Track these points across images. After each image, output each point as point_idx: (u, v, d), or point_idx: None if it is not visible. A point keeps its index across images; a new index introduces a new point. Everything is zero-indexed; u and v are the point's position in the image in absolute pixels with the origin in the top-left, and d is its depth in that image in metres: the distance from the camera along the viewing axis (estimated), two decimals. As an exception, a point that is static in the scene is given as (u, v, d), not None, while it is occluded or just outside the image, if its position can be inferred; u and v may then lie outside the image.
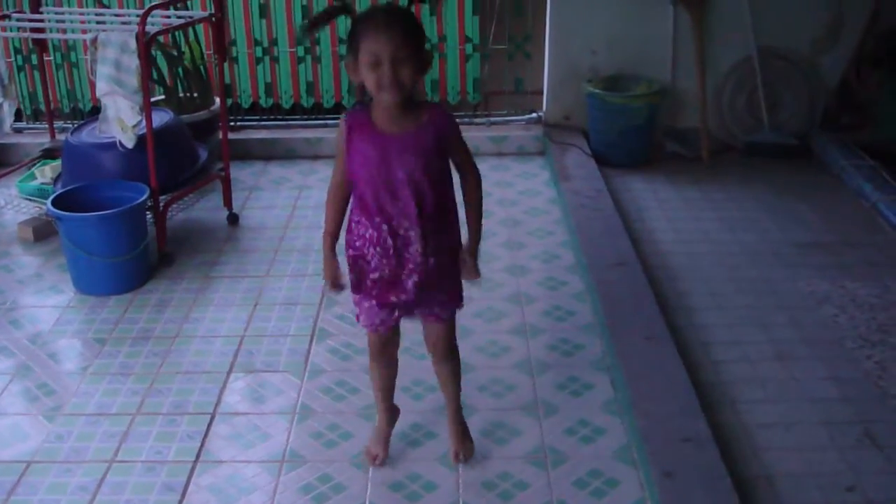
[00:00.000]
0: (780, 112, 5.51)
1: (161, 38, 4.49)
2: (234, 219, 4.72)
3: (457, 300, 2.74)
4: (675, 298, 3.83)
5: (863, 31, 5.39)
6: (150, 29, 4.05)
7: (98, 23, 4.45)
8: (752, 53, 5.37)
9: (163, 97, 5.34)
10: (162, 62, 5.42)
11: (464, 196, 2.68)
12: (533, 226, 4.62)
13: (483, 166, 5.42)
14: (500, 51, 5.85)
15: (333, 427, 3.09)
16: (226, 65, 4.85)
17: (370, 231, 2.55)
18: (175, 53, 5.37)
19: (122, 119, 4.09)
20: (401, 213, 2.51)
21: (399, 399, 2.99)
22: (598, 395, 3.23)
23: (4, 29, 4.53)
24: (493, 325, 3.68)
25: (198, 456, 2.96)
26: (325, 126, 5.84)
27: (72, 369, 3.47)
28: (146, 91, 4.04)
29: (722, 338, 3.53)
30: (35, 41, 4.97)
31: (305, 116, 5.94)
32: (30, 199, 4.59)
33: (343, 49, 5.77)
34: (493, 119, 5.89)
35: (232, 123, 5.65)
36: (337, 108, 5.91)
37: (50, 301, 3.97)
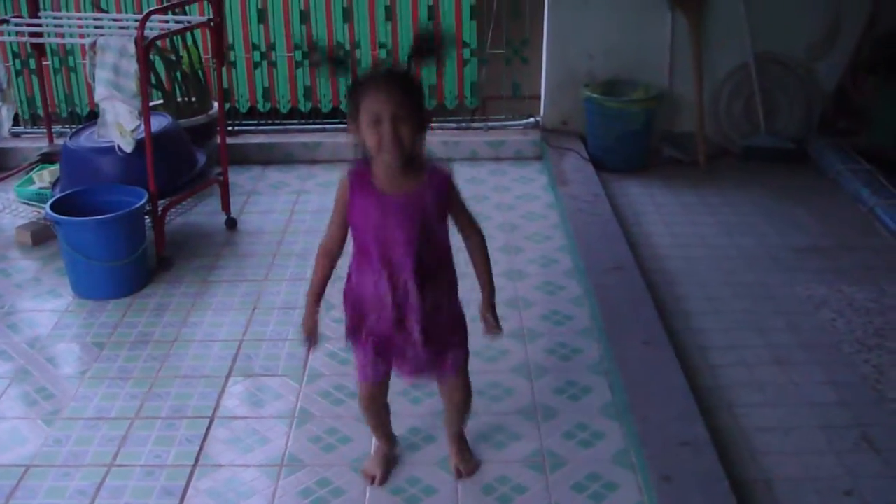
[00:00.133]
0: (777, 117, 5.53)
1: (159, 43, 4.49)
2: (232, 223, 4.72)
3: (463, 353, 2.75)
4: (673, 303, 3.83)
5: (859, 38, 5.41)
6: (149, 33, 4.06)
7: (96, 27, 4.46)
8: (749, 59, 5.39)
9: (161, 102, 5.35)
10: (160, 67, 5.43)
11: (470, 255, 2.68)
12: (531, 230, 4.63)
13: (480, 171, 5.48)
14: (498, 55, 5.86)
15: (332, 431, 3.09)
16: (224, 69, 4.84)
17: (371, 279, 2.56)
18: (173, 58, 5.38)
19: (120, 123, 4.09)
20: (400, 267, 2.52)
21: (397, 403, 2.99)
22: (596, 399, 3.24)
23: (2, 33, 4.53)
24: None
25: (197, 460, 2.96)
26: (324, 131, 5.85)
27: (70, 373, 3.47)
28: (145, 95, 4.04)
29: (720, 342, 3.54)
30: (33, 46, 4.98)
31: (303, 121, 5.94)
32: (28, 204, 4.60)
33: (341, 54, 5.77)
34: (490, 124, 5.89)
35: (230, 128, 5.65)
36: (334, 113, 5.92)
37: (48, 305, 3.97)
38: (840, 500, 2.71)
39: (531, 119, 5.86)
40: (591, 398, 3.24)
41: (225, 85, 5.27)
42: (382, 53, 5.79)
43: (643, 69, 5.48)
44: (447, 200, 2.56)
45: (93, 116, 5.33)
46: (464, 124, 5.88)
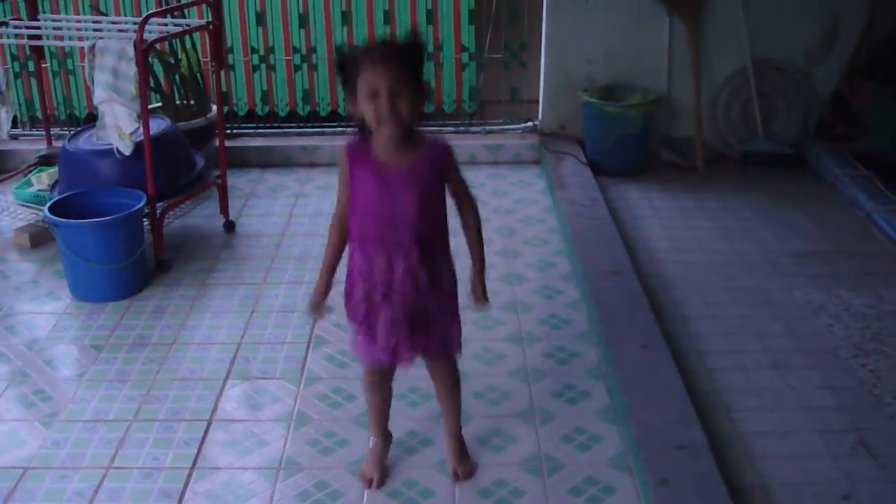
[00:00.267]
0: (775, 122, 5.54)
1: (158, 46, 4.50)
2: (230, 226, 4.72)
3: (456, 341, 2.77)
4: (671, 307, 3.84)
5: (856, 43, 5.42)
6: (148, 37, 4.06)
7: (95, 30, 4.47)
8: (747, 64, 5.40)
9: (160, 105, 5.36)
10: (159, 70, 5.43)
11: (463, 226, 2.71)
12: (529, 234, 4.63)
13: (479, 175, 5.49)
14: (496, 60, 5.86)
15: (330, 434, 3.09)
16: (222, 72, 4.85)
17: (365, 258, 2.57)
18: (172, 61, 5.38)
19: (119, 126, 4.10)
20: (397, 241, 2.54)
21: (395, 406, 2.99)
22: (593, 402, 3.24)
23: (1, 36, 4.54)
24: (489, 332, 3.69)
25: (194, 463, 2.96)
26: (322, 134, 5.85)
27: (68, 376, 3.47)
28: (143, 98, 4.04)
29: (717, 346, 3.54)
30: (32, 48, 4.98)
31: (301, 124, 5.95)
32: (26, 206, 4.59)
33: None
34: (488, 128, 5.90)
35: (228, 131, 5.66)
36: (333, 116, 5.92)
37: (46, 307, 3.97)
38: (837, 505, 2.73)
39: (529, 123, 5.87)
40: (588, 402, 3.24)
41: (223, 88, 5.28)
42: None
43: (641, 74, 5.49)
44: (446, 172, 2.58)
45: (91, 119, 5.33)
46: (462, 128, 5.88)
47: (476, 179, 5.35)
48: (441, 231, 2.63)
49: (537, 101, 5.77)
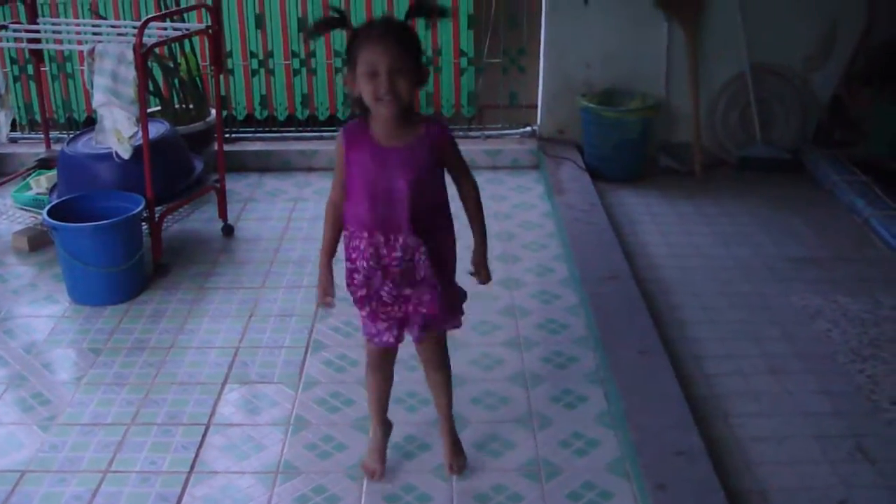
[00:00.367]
0: (773, 127, 5.55)
1: (157, 50, 4.51)
2: (229, 230, 4.73)
3: (451, 316, 2.76)
4: (669, 312, 3.84)
5: (854, 48, 5.43)
6: (147, 41, 4.06)
7: (94, 34, 4.47)
8: (746, 69, 5.41)
9: (159, 108, 5.36)
10: (158, 74, 5.44)
11: (464, 204, 2.72)
12: (527, 239, 4.64)
13: (478, 180, 5.46)
14: (495, 64, 5.88)
15: (328, 438, 3.09)
16: (221, 77, 4.86)
17: (363, 242, 2.57)
18: (171, 65, 5.39)
19: (118, 130, 4.10)
20: (395, 221, 2.54)
21: (393, 411, 3.00)
22: (591, 407, 3.24)
23: (1, 39, 4.54)
24: (487, 337, 3.69)
25: (192, 467, 2.96)
26: (321, 138, 5.86)
27: (66, 379, 3.47)
28: (142, 102, 4.05)
29: (715, 351, 3.55)
30: (31, 52, 4.99)
31: (300, 128, 5.95)
32: (25, 209, 4.60)
33: (338, 62, 5.80)
34: (487, 133, 5.91)
35: (227, 135, 5.66)
36: (332, 121, 5.93)
37: (45, 311, 3.97)
38: (834, 510, 2.73)
39: (528, 128, 5.87)
40: (586, 407, 3.25)
41: (222, 92, 5.29)
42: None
43: (640, 79, 5.50)
44: (444, 151, 2.59)
45: (90, 122, 5.34)
46: (461, 133, 5.88)
47: (474, 184, 5.35)
48: (440, 207, 2.64)
49: (536, 106, 5.78)
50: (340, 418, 3.20)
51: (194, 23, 5.13)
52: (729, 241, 4.52)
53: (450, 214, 2.68)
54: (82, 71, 4.42)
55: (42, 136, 5.17)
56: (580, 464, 2.94)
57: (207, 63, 5.27)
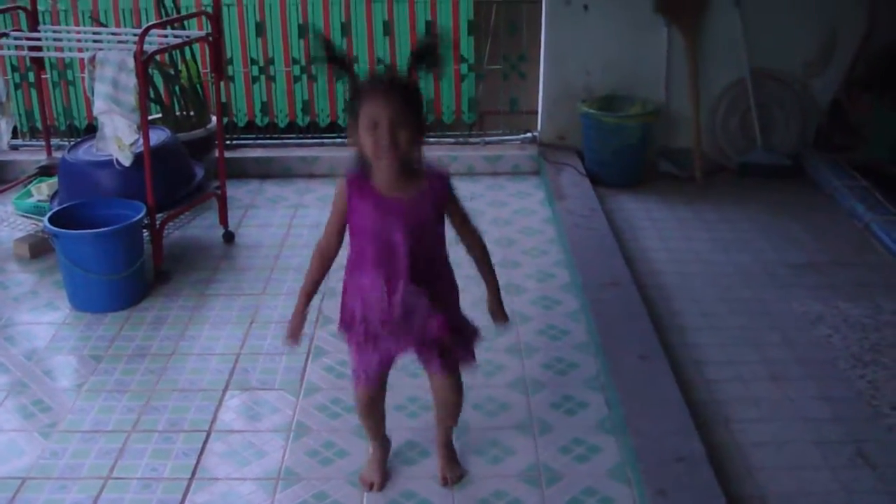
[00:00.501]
0: (773, 133, 5.55)
1: (158, 57, 4.51)
2: (229, 237, 4.73)
3: (465, 350, 2.78)
4: (669, 318, 3.84)
5: (854, 54, 5.44)
6: (148, 48, 4.08)
7: (95, 41, 4.47)
8: (746, 75, 5.42)
9: (160, 115, 5.37)
10: (159, 81, 5.44)
11: (471, 254, 2.75)
12: (527, 245, 4.64)
13: (478, 185, 5.50)
14: (496, 71, 5.88)
15: (329, 445, 3.09)
16: (222, 84, 4.86)
17: (367, 282, 2.59)
18: (172, 72, 5.40)
19: (119, 137, 4.11)
20: (397, 271, 2.56)
21: (393, 417, 3.01)
22: (592, 413, 3.24)
23: (2, 47, 4.55)
24: (488, 344, 3.68)
25: (193, 473, 2.96)
26: (321, 145, 5.87)
27: (67, 386, 3.47)
28: (143, 109, 4.05)
29: (716, 357, 3.55)
30: (32, 59, 4.99)
31: (301, 135, 5.96)
32: (26, 216, 4.60)
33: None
34: (487, 139, 5.91)
35: (228, 142, 5.67)
36: (332, 127, 5.93)
37: (46, 318, 3.98)
38: (835, 516, 2.73)
39: (528, 134, 5.88)
40: (587, 413, 3.25)
41: (223, 99, 5.29)
42: (381, 69, 5.80)
43: (640, 85, 5.51)
44: (446, 204, 2.61)
45: (91, 130, 5.34)
46: (461, 139, 5.90)
47: (475, 190, 5.36)
48: (440, 259, 2.67)
49: (536, 112, 5.78)
50: (342, 424, 3.20)
51: (195, 30, 5.13)
52: (729, 247, 4.53)
53: (450, 266, 2.71)
54: (83, 78, 4.43)
55: (43, 143, 5.18)
56: (581, 470, 2.95)
57: (208, 70, 5.28)
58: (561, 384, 3.42)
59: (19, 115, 5.95)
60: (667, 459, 2.84)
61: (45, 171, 4.89)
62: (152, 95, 5.24)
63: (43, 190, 4.68)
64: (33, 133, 6.01)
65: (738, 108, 5.52)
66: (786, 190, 5.24)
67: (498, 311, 2.82)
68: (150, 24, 4.24)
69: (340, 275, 2.70)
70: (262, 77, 5.88)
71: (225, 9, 5.44)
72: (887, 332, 3.70)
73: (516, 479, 2.91)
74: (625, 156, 5.31)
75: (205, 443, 3.12)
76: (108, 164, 4.21)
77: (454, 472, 2.92)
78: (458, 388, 2.82)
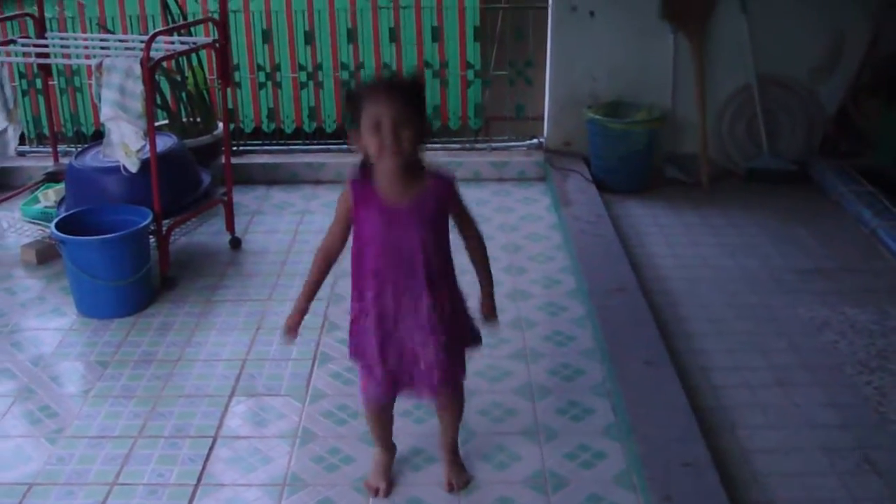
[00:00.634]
0: (780, 138, 5.54)
1: (165, 64, 4.52)
2: (236, 243, 4.74)
3: (460, 367, 2.81)
4: (676, 324, 3.84)
5: (861, 60, 5.43)
6: (155, 54, 4.09)
7: (102, 48, 4.49)
8: (752, 81, 5.41)
9: (166, 122, 5.38)
10: (165, 87, 5.46)
11: (469, 253, 2.77)
12: (534, 251, 4.64)
13: (484, 192, 5.50)
14: (502, 77, 5.89)
15: (335, 451, 3.09)
16: (229, 90, 4.87)
17: (373, 292, 2.60)
18: (179, 79, 5.41)
19: (126, 143, 4.12)
20: (406, 275, 2.57)
21: (399, 423, 3.00)
22: (598, 419, 3.24)
23: (10, 54, 4.57)
24: (494, 350, 3.68)
25: (199, 479, 2.97)
26: (328, 151, 5.88)
27: (74, 392, 3.48)
28: (150, 116, 4.06)
29: (722, 363, 3.54)
30: (40, 66, 5.01)
31: (307, 141, 5.97)
32: (33, 223, 4.62)
33: (345, 74, 5.82)
34: (494, 145, 5.91)
35: (235, 148, 5.68)
36: (338, 133, 5.94)
37: (52, 324, 3.99)
38: (842, 522, 2.72)
39: (534, 140, 5.88)
40: (593, 419, 3.24)
41: (230, 105, 5.30)
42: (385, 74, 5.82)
43: (646, 91, 5.50)
44: (450, 204, 2.62)
45: (98, 136, 5.35)
46: (467, 145, 5.90)
47: (481, 196, 5.36)
48: (445, 258, 2.67)
49: (542, 118, 5.79)
50: (347, 431, 3.20)
51: (201, 36, 5.14)
52: (736, 253, 4.52)
53: (453, 270, 2.72)
54: (90, 85, 4.45)
55: (50, 149, 5.19)
56: (586, 476, 2.94)
57: (215, 76, 5.29)
58: (567, 390, 3.42)
59: (27, 121, 5.97)
60: (673, 465, 2.83)
61: (52, 178, 4.90)
62: (159, 102, 5.26)
63: (50, 196, 4.69)
64: (40, 139, 6.04)
65: (744, 114, 5.52)
66: (793, 196, 5.24)
67: (491, 313, 2.84)
68: (157, 30, 4.26)
69: (348, 280, 2.70)
70: (269, 83, 5.90)
71: (231, 15, 5.45)
72: (894, 339, 3.69)
73: (522, 485, 2.91)
74: (631, 162, 5.31)
75: (211, 449, 3.12)
76: (115, 170, 4.22)
77: (460, 477, 2.91)
78: (456, 394, 2.84)
